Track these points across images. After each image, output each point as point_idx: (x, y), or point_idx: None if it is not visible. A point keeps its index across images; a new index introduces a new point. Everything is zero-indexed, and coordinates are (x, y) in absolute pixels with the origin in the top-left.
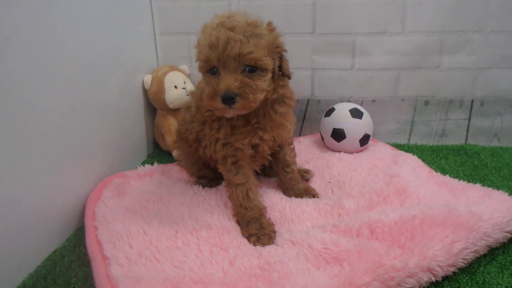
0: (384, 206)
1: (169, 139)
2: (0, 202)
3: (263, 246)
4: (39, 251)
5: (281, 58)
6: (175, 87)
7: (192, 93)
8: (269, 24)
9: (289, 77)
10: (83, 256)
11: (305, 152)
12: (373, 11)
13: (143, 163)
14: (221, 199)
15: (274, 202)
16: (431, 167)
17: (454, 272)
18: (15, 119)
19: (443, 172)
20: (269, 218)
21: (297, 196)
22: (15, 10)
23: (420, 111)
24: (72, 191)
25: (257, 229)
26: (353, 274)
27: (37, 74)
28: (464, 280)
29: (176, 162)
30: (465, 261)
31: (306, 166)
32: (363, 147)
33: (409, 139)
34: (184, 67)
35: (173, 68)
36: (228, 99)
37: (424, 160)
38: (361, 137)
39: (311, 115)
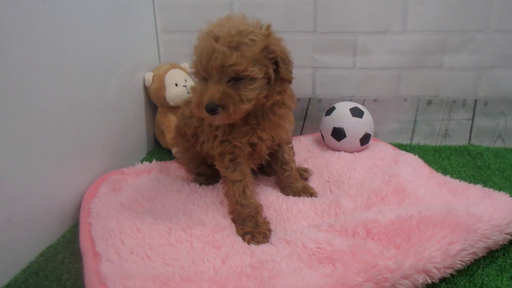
0: (382, 206)
1: (169, 137)
2: None
3: (257, 245)
4: (34, 247)
5: (276, 63)
6: (176, 84)
7: (193, 89)
8: (267, 28)
9: (290, 82)
10: (77, 253)
11: (304, 151)
12: (375, 10)
13: (142, 161)
14: (217, 197)
15: (271, 201)
16: (433, 167)
17: (451, 274)
18: (15, 116)
19: (445, 172)
20: (265, 217)
21: (295, 194)
22: (15, 7)
23: (423, 111)
24: (71, 188)
25: (252, 227)
26: (345, 274)
27: (38, 72)
28: (462, 282)
29: (175, 159)
30: (463, 263)
31: (305, 165)
32: (363, 147)
33: (411, 139)
34: (185, 65)
35: (174, 66)
36: (211, 110)
37: (426, 161)
38: (361, 136)
39: (312, 114)
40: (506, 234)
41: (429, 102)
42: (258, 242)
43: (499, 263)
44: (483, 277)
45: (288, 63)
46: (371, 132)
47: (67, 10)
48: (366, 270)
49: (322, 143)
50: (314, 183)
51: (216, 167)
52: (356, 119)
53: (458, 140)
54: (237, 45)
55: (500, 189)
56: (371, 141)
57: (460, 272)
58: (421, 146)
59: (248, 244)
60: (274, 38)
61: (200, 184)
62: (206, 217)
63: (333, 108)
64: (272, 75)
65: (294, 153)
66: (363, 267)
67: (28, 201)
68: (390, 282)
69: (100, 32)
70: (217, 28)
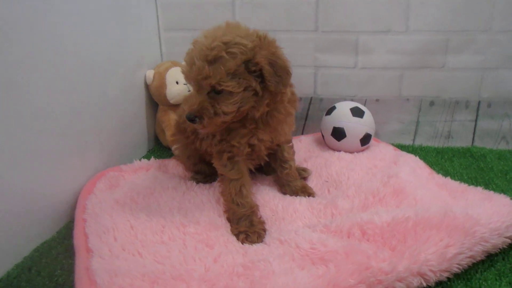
0: (379, 207)
1: (169, 135)
2: None
3: (251, 244)
4: (29, 242)
5: (262, 75)
6: (177, 82)
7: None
8: (261, 38)
9: (275, 93)
10: (71, 249)
11: (304, 150)
12: (377, 9)
13: (141, 159)
14: (214, 195)
15: (267, 200)
16: (434, 169)
17: (448, 278)
18: (15, 113)
19: (447, 174)
20: (260, 216)
21: (293, 193)
22: (16, 7)
23: (425, 112)
24: (70, 185)
25: (247, 226)
26: (338, 276)
27: (39, 71)
28: (459, 286)
29: (173, 156)
30: (460, 267)
31: (305, 165)
32: (364, 147)
33: (413, 140)
34: None
35: (175, 63)
36: (190, 120)
37: (428, 162)
38: (362, 136)
39: (313, 113)
40: (505, 237)
41: (432, 103)
42: (252, 242)
43: (498, 267)
44: (481, 281)
45: (282, 74)
46: (371, 132)
47: (69, 9)
48: (359, 271)
49: (322, 143)
50: (312, 183)
51: (214, 165)
52: (357, 119)
53: (461, 141)
54: (214, 59)
55: (502, 191)
56: (372, 142)
57: (457, 276)
58: (424, 147)
59: (242, 243)
60: (267, 48)
61: (197, 182)
62: (201, 216)
63: (333, 108)
64: (258, 88)
65: (294, 152)
66: (356, 268)
67: (27, 197)
68: (384, 285)
69: (102, 31)
70: (203, 39)
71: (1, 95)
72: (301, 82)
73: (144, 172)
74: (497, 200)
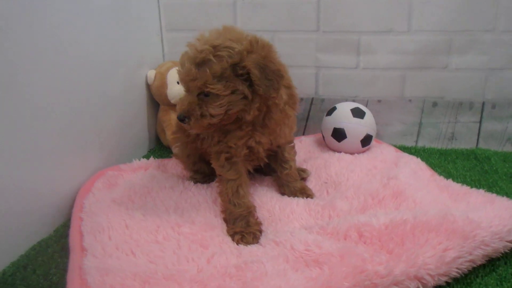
0: (377, 209)
1: (170, 134)
2: None
3: (247, 245)
4: (26, 240)
5: (249, 79)
6: (178, 82)
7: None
8: (251, 42)
9: (266, 97)
10: (67, 247)
11: (305, 151)
12: (378, 9)
13: (140, 158)
14: (211, 195)
15: (264, 201)
16: (437, 171)
17: (447, 282)
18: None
19: (449, 176)
20: (257, 217)
21: (291, 194)
22: (16, 5)
23: (428, 113)
24: (70, 184)
25: (242, 227)
26: (331, 278)
27: (39, 70)
28: None
29: (172, 155)
30: (460, 271)
31: (304, 166)
32: (365, 148)
33: (416, 142)
34: None
35: (177, 64)
36: (180, 120)
37: (430, 164)
38: (362, 137)
39: (315, 114)
40: (507, 241)
41: (435, 104)
42: (247, 243)
43: (500, 272)
44: (481, 286)
45: (273, 78)
46: (372, 133)
47: (70, 8)
48: (354, 274)
49: (323, 143)
50: (311, 184)
51: (212, 165)
52: (357, 120)
53: (465, 143)
54: (201, 62)
55: (506, 194)
56: (374, 143)
57: (456, 280)
58: (427, 149)
59: (237, 244)
60: (258, 52)
61: (196, 182)
62: (197, 216)
63: (334, 108)
64: (247, 91)
65: (295, 152)
66: (350, 271)
67: (26, 196)
68: None
69: (102, 31)
70: (196, 42)
71: (1, 95)
72: (302, 82)
73: (142, 172)
74: (499, 203)
